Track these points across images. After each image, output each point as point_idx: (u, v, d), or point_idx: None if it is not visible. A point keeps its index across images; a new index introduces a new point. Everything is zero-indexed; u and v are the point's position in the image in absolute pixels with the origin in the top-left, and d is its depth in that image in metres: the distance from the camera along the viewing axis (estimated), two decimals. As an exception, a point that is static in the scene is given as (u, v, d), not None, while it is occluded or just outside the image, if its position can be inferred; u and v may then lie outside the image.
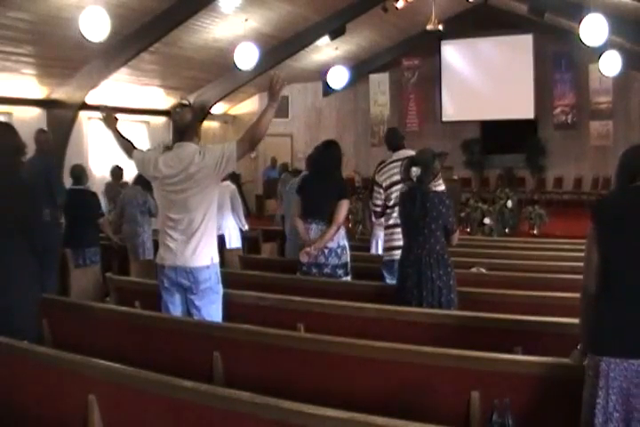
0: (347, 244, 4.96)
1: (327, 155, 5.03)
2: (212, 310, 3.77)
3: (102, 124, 4.16)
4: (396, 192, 5.14)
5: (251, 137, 3.63)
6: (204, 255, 3.69)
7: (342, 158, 5.09)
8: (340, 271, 4.85)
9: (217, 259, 3.78)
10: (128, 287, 4.70)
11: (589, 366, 2.31)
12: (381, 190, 5.06)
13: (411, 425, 2.04)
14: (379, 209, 5.11)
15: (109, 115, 4.15)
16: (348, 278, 4.91)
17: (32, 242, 3.48)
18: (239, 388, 2.41)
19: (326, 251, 4.80)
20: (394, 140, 5.31)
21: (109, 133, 4.16)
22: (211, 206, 3.73)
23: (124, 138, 4.11)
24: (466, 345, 2.92)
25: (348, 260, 4.95)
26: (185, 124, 3.74)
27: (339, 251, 4.85)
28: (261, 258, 6.93)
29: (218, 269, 3.80)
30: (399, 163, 5.14)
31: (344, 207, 4.82)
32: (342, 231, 4.91)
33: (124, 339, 3.64)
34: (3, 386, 2.96)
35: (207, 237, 3.72)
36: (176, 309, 3.81)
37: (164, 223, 3.78)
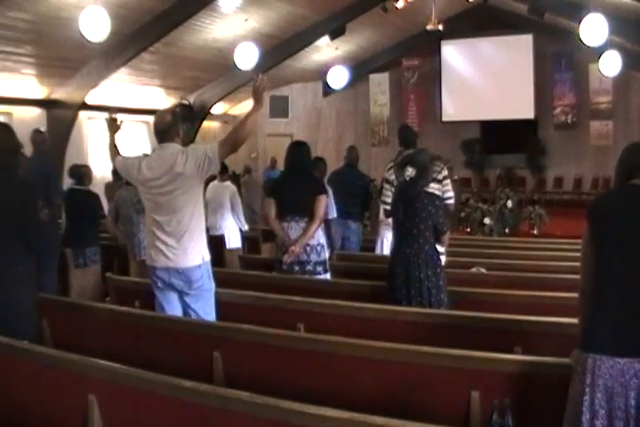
0: (325, 242, 5.03)
1: (298, 154, 5.05)
2: (207, 307, 3.82)
3: (106, 128, 4.19)
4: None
5: (233, 140, 3.63)
6: (195, 255, 3.72)
7: (311, 157, 5.20)
8: (320, 268, 4.89)
9: (208, 257, 3.81)
10: (128, 287, 4.70)
11: (578, 363, 2.32)
12: (392, 188, 5.10)
13: (411, 425, 2.04)
14: (388, 207, 5.15)
15: (115, 122, 4.18)
16: (328, 275, 4.96)
17: (30, 242, 3.48)
18: (239, 388, 2.41)
19: (308, 248, 4.84)
20: (409, 137, 5.37)
21: (107, 138, 4.21)
22: (197, 206, 3.75)
23: (115, 146, 4.17)
24: (466, 345, 2.91)
25: (327, 257, 5.04)
26: (165, 125, 3.75)
27: (318, 248, 4.90)
28: (261, 258, 6.93)
29: (209, 266, 3.83)
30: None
31: (322, 202, 4.87)
32: (320, 230, 4.98)
33: (124, 339, 3.63)
34: (3, 386, 2.96)
35: (196, 237, 3.73)
36: (172, 308, 3.82)
37: (152, 225, 3.80)
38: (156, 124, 3.80)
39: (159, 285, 3.80)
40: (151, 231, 3.81)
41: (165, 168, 3.66)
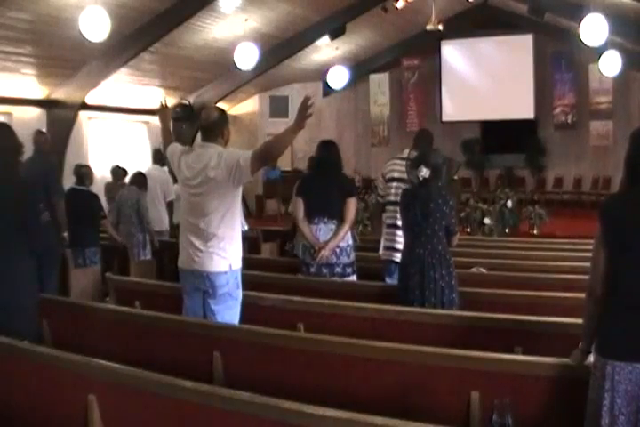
0: (352, 243, 4.96)
1: (330, 154, 4.99)
2: (227, 315, 3.70)
3: (158, 118, 4.20)
4: (391, 189, 5.14)
5: (264, 154, 3.51)
6: (221, 261, 3.63)
7: (341, 157, 5.05)
8: (349, 270, 4.85)
9: (237, 265, 3.71)
10: (128, 287, 4.70)
11: (596, 367, 2.31)
12: (384, 183, 5.09)
13: (411, 425, 2.04)
14: (383, 200, 5.15)
15: (165, 110, 4.15)
16: (354, 277, 4.91)
17: (31, 242, 3.48)
18: (239, 388, 2.41)
19: (338, 250, 4.78)
20: (423, 144, 5.08)
21: (160, 126, 4.18)
22: (229, 211, 3.64)
23: (169, 132, 4.09)
24: (466, 345, 2.92)
25: (355, 258, 4.96)
26: (209, 122, 3.64)
27: (348, 249, 4.85)
28: (261, 258, 6.93)
29: (238, 275, 3.74)
30: (401, 161, 5.13)
31: (354, 205, 4.83)
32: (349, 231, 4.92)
33: (124, 339, 3.64)
34: (3, 386, 2.96)
35: (225, 243, 3.64)
36: (195, 313, 3.76)
37: (184, 227, 3.75)
38: (201, 120, 3.68)
39: (187, 289, 3.75)
40: (183, 233, 3.73)
41: (199, 169, 3.59)
